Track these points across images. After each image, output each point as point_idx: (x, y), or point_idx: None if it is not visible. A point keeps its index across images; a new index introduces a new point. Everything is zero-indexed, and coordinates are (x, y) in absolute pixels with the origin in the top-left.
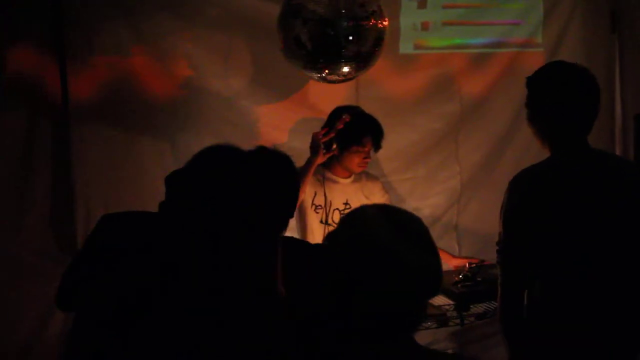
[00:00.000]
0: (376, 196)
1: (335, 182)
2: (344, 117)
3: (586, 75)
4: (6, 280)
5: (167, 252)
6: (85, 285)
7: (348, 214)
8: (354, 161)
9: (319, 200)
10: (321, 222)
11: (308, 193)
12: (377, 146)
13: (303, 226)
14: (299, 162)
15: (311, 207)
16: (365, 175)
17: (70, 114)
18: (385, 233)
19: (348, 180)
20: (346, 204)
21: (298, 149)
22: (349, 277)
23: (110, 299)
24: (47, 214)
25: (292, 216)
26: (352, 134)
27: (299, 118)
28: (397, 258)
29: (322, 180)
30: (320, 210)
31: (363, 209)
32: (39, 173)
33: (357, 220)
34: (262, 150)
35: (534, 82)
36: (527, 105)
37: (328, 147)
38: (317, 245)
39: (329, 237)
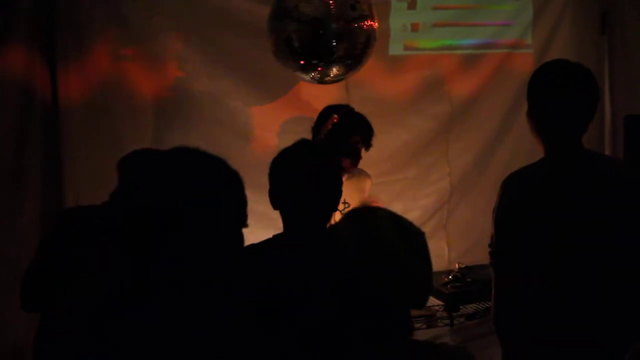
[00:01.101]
0: (365, 194)
1: None
2: (332, 117)
3: (587, 77)
4: (2, 280)
5: (134, 248)
6: (54, 286)
7: (355, 214)
8: (346, 161)
9: None
10: None
11: None
12: (367, 145)
13: None
14: None
15: None
16: (357, 172)
17: (61, 115)
18: (392, 240)
19: (343, 179)
20: (345, 203)
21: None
22: (350, 276)
23: (83, 300)
24: (38, 213)
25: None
26: (340, 135)
27: (290, 118)
28: (402, 265)
29: None
30: None
31: (373, 212)
32: (30, 172)
33: (366, 223)
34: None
35: (535, 77)
36: (527, 99)
37: None
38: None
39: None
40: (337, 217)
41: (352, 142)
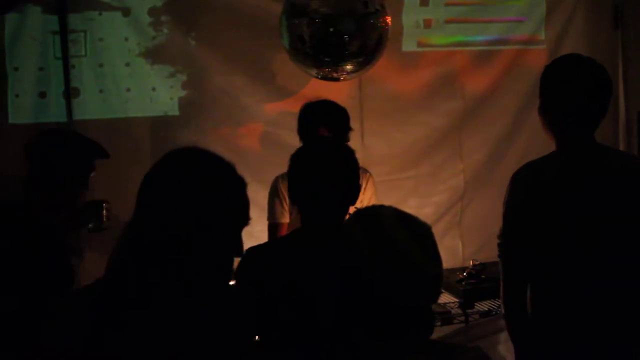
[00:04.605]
0: (368, 191)
1: None
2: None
3: (600, 72)
4: None
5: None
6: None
7: (361, 213)
8: None
9: None
10: None
11: (285, 208)
12: (340, 134)
13: None
14: None
15: (295, 215)
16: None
17: (73, 113)
18: (400, 236)
19: None
20: None
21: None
22: (362, 276)
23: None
24: None
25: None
26: (307, 129)
27: None
28: (413, 262)
29: None
30: None
31: (378, 209)
32: None
33: (373, 221)
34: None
35: (547, 73)
36: (539, 95)
37: None
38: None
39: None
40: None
41: (320, 135)
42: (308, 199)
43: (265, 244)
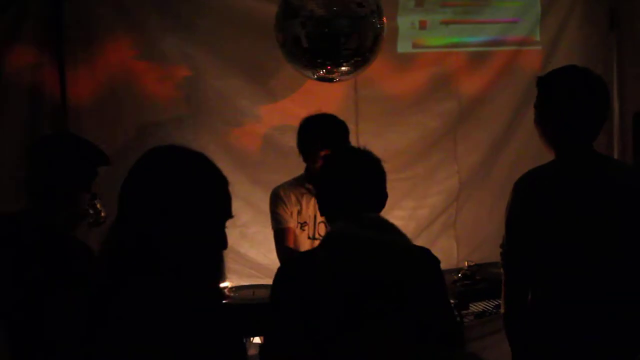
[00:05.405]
0: None
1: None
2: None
3: (597, 82)
4: None
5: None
6: None
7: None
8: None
9: (304, 218)
10: (308, 237)
11: (289, 213)
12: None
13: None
14: (298, 160)
15: (296, 226)
16: None
17: (69, 114)
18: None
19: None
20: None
21: (297, 148)
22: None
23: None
24: None
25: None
26: (307, 144)
27: (299, 117)
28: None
29: (304, 195)
30: (306, 227)
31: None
32: None
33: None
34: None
35: (543, 84)
36: (535, 106)
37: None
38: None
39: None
40: (321, 230)
41: (318, 150)
42: (337, 207)
43: (302, 254)
